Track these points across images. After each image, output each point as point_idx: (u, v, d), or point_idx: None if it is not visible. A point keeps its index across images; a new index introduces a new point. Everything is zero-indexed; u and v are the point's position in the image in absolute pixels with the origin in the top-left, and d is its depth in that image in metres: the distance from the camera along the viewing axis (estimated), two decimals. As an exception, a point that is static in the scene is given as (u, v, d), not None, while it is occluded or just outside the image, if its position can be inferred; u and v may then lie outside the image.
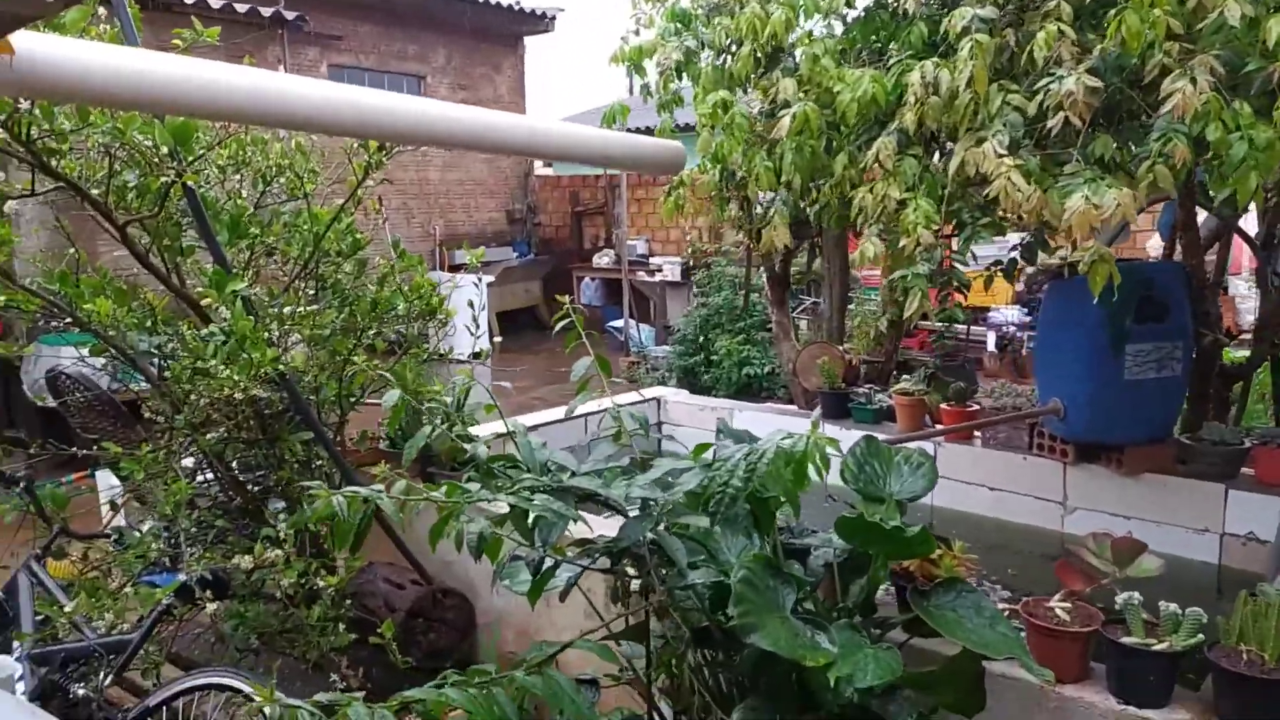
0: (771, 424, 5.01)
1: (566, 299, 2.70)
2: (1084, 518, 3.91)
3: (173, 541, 3.43)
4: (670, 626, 2.22)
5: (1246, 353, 3.95)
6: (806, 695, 2.07)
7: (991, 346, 9.96)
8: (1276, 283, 3.61)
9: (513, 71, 14.67)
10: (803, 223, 5.38)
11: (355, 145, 3.63)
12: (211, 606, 3.07)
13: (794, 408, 5.50)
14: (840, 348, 5.25)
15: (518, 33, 14.47)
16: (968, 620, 2.06)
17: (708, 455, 2.30)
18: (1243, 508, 3.54)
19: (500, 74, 14.45)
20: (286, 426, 3.60)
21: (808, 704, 2.04)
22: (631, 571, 2.18)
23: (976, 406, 4.41)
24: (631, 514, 2.10)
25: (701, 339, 9.40)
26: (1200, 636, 2.02)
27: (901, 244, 2.50)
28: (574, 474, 2.24)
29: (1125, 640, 2.08)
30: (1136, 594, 2.12)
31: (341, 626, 3.46)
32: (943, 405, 4.47)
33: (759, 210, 4.71)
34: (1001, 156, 2.26)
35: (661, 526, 2.07)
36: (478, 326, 3.85)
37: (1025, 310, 10.27)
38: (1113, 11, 2.17)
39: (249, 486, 3.65)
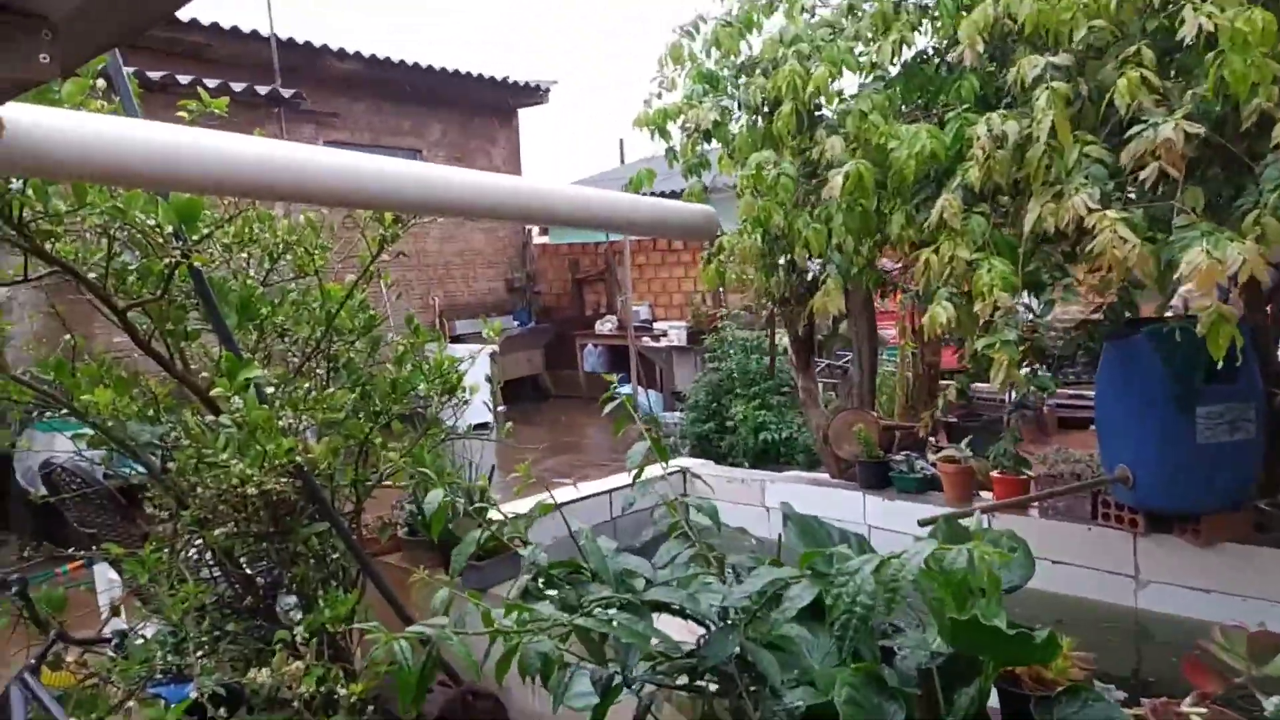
0: (812, 497, 4.77)
1: (614, 378, 2.47)
2: (1158, 591, 3.64)
3: (179, 648, 3.14)
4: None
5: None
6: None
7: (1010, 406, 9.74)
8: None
9: (507, 143, 14.68)
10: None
11: (368, 218, 3.44)
12: (224, 725, 2.77)
13: (826, 477, 5.24)
14: (874, 414, 5.02)
15: (511, 105, 14.52)
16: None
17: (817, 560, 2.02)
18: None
19: (495, 145, 14.46)
20: (299, 518, 3.34)
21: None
22: (714, 689, 1.91)
23: (1029, 475, 4.17)
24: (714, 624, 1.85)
25: (714, 405, 9.16)
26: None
27: (976, 307, 2.29)
28: (649, 583, 1.98)
29: (1285, 756, 1.80)
30: (1290, 700, 1.85)
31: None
32: (994, 474, 4.23)
33: (809, 274, 4.52)
34: (1093, 210, 2.07)
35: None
36: (496, 402, 3.62)
37: (1043, 366, 10.08)
38: (1211, 55, 2.00)
39: (259, 583, 3.37)
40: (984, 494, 4.35)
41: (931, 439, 5.20)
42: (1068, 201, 2.15)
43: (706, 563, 2.17)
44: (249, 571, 3.35)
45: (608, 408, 2.43)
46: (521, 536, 2.13)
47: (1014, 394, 10.24)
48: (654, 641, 1.80)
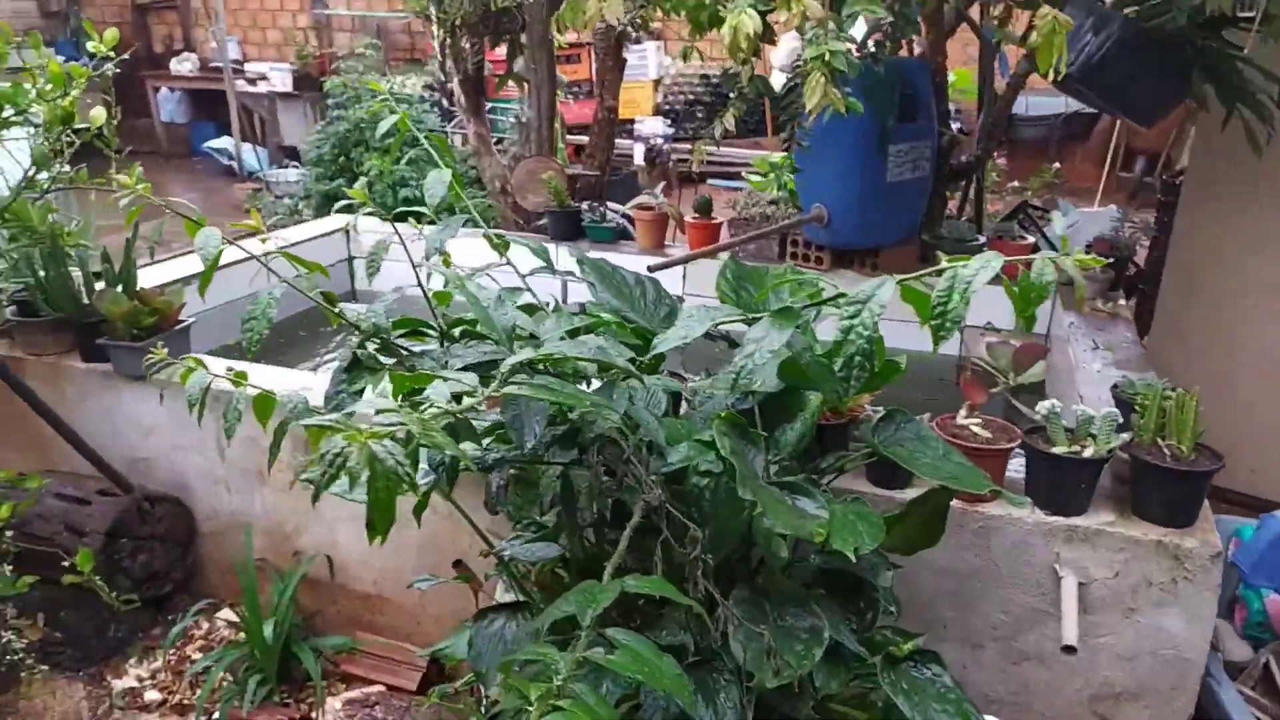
0: (515, 253, 4.45)
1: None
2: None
3: None
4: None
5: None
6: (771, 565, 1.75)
7: (640, 159, 9.96)
8: (1010, 80, 3.75)
9: None
10: (501, 16, 4.69)
11: None
12: None
13: (515, 234, 4.94)
14: (558, 161, 4.75)
15: None
16: (921, 454, 1.85)
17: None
18: (980, 299, 3.77)
19: None
20: None
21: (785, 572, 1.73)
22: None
23: (720, 220, 4.24)
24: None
25: (341, 159, 8.23)
26: (1124, 437, 2.01)
27: (782, 18, 2.07)
28: (542, 340, 1.60)
29: (1056, 450, 2.01)
30: (1056, 402, 2.05)
31: (9, 569, 2.50)
32: (688, 219, 4.23)
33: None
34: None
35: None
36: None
37: (668, 122, 10.38)
38: None
39: None
40: (675, 242, 4.37)
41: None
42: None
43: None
44: None
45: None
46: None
47: (640, 152, 10.46)
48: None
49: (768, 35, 2.95)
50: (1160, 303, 3.82)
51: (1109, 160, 8.94)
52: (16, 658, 2.52)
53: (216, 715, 2.52)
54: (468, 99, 5.03)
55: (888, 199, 3.60)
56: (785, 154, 6.17)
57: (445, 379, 1.21)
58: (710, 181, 10.59)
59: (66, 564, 2.55)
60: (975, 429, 2.10)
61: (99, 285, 2.91)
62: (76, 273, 2.92)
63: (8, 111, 2.51)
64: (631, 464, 1.42)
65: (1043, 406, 2.06)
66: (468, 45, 4.79)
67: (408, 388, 1.26)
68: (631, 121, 10.14)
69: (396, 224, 2.12)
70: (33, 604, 2.72)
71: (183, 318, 2.93)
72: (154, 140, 11.39)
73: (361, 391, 1.50)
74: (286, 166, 10.20)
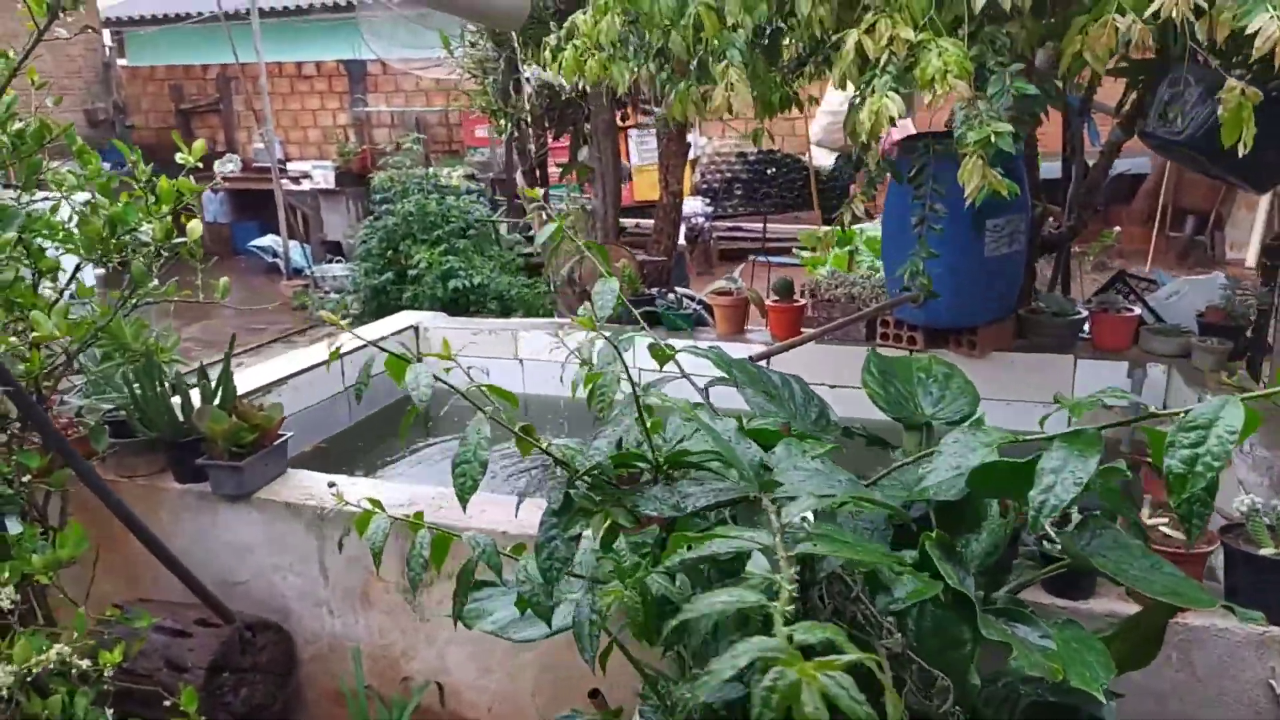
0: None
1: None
2: (932, 404, 3.80)
3: None
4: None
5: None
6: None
7: (681, 240, 9.97)
8: (1103, 149, 3.66)
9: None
10: (566, 107, 4.69)
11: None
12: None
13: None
14: (627, 248, 4.69)
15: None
16: (1127, 565, 1.68)
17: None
18: (1087, 374, 3.62)
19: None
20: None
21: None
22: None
23: (803, 302, 4.14)
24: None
25: (390, 253, 8.26)
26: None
27: (927, 100, 1.99)
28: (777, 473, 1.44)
29: (1264, 552, 1.83)
30: (1255, 498, 1.88)
31: (110, 713, 2.35)
32: (769, 303, 4.13)
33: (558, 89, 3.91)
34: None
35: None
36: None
37: (707, 201, 10.41)
38: None
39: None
40: (755, 326, 4.26)
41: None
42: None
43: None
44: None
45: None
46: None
47: (681, 232, 10.48)
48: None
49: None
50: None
51: (1158, 220, 8.83)
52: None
53: None
54: (531, 187, 5.00)
55: (985, 275, 3.49)
56: (839, 229, 6.13)
57: (730, 535, 1.06)
58: (752, 258, 10.57)
59: (168, 703, 2.40)
60: (1166, 530, 1.93)
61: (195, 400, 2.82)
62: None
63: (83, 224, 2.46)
64: (860, 602, 1.27)
65: (1240, 502, 1.89)
66: (532, 138, 4.78)
67: (684, 544, 1.08)
68: (655, 203, 10.18)
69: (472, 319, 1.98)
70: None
71: (281, 432, 2.83)
72: (199, 241, 11.55)
73: (577, 538, 1.36)
74: (331, 261, 10.27)
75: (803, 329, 4.14)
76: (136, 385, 2.73)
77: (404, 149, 8.42)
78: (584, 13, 2.51)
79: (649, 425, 1.38)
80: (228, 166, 12.16)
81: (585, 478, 1.35)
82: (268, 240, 10.69)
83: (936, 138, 3.08)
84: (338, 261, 10.09)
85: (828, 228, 7.62)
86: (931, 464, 1.37)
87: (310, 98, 11.94)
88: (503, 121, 4.59)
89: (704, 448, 1.39)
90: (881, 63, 2.04)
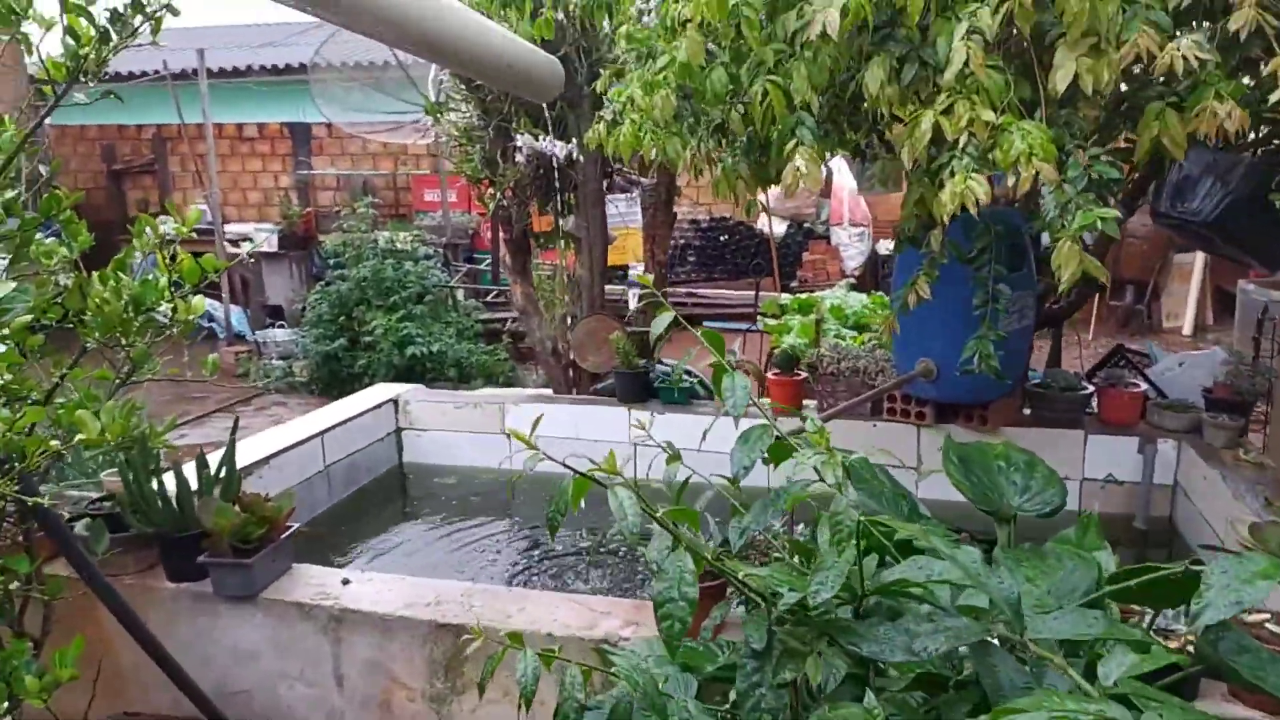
0: (563, 418, 4.21)
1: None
2: (939, 480, 3.76)
3: None
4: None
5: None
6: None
7: (634, 305, 9.92)
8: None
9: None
10: (554, 172, 4.60)
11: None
12: None
13: (555, 394, 4.72)
14: (618, 320, 4.58)
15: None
16: (1261, 671, 1.60)
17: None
18: (1097, 451, 3.62)
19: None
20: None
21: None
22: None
23: (803, 375, 4.07)
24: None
25: (341, 319, 7.99)
26: None
27: (1010, 182, 1.95)
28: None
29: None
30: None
31: None
32: (770, 376, 4.06)
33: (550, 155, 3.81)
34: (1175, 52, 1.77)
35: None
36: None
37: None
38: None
39: None
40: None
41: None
42: (1114, 53, 1.84)
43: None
44: None
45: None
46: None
47: (635, 298, 10.37)
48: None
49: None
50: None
51: (1099, 290, 9.13)
52: None
53: None
54: (514, 259, 4.88)
55: (997, 351, 3.47)
56: (798, 298, 6.13)
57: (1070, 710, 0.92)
58: (706, 324, 10.57)
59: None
60: (1273, 628, 1.87)
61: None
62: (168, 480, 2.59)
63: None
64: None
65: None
66: (514, 208, 4.68)
67: (1008, 715, 0.90)
68: (625, 268, 10.15)
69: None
70: None
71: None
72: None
73: (786, 685, 1.18)
74: (271, 326, 9.91)
75: (804, 403, 4.07)
76: (131, 477, 2.49)
77: (358, 212, 8.22)
78: (625, 84, 2.43)
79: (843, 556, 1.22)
80: (260, 237, 11.71)
81: (786, 614, 1.19)
82: (209, 304, 10.26)
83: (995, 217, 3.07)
84: (280, 326, 9.74)
85: (788, 295, 7.66)
86: (1204, 598, 1.26)
87: (251, 159, 11.65)
88: (493, 190, 4.46)
89: (904, 574, 1.22)
90: (961, 144, 2.00)
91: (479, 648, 2.30)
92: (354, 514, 3.94)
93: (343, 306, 7.98)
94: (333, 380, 7.98)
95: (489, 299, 9.48)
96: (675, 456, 1.73)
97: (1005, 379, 3.19)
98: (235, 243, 10.46)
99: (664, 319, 1.53)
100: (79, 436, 1.55)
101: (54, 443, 1.53)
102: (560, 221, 4.81)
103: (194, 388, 8.51)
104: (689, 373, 4.36)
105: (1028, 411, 3.84)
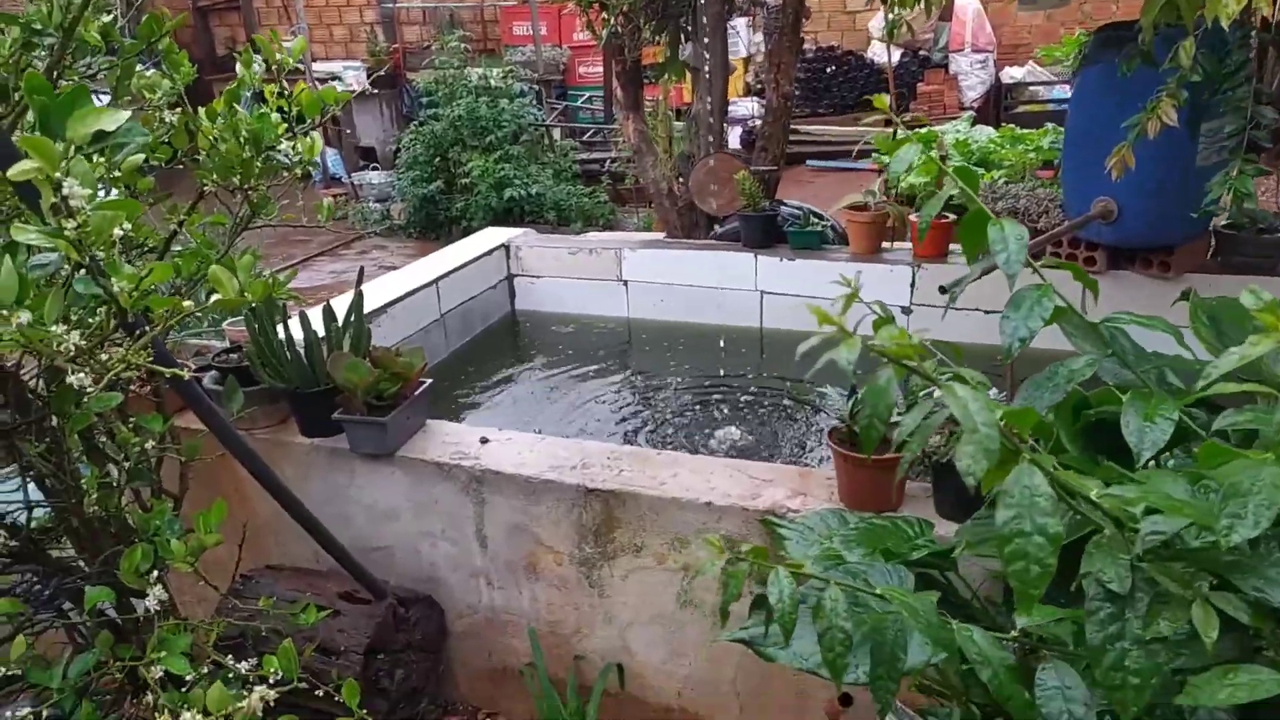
0: (685, 264, 3.95)
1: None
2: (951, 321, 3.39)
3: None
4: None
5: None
6: None
7: (736, 143, 9.41)
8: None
9: None
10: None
11: None
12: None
13: (672, 239, 4.44)
14: (742, 157, 4.22)
15: None
16: None
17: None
18: None
19: None
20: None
21: None
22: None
23: (951, 218, 3.69)
24: None
25: (437, 160, 7.76)
26: None
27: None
28: None
29: None
30: None
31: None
32: (914, 218, 3.70)
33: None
34: None
35: None
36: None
37: (763, 102, 9.79)
38: None
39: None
40: (895, 244, 3.83)
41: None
42: None
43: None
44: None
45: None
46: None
47: (737, 135, 9.91)
48: None
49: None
50: None
51: None
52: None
53: None
54: (625, 93, 4.51)
55: (1193, 187, 3.04)
56: (915, 132, 5.61)
57: None
58: (809, 163, 10.01)
59: (320, 693, 2.09)
60: None
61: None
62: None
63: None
64: None
65: None
66: (626, 36, 4.27)
67: None
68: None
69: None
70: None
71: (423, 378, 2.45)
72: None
73: (1161, 641, 0.91)
74: (366, 169, 9.75)
75: (949, 248, 3.72)
76: (257, 329, 2.34)
77: (448, 47, 7.82)
78: None
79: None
80: (349, 75, 11.38)
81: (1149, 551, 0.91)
82: (298, 146, 10.13)
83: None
84: (374, 169, 9.57)
85: (906, 129, 7.09)
86: None
87: (334, -8, 11.20)
88: (604, 14, 4.05)
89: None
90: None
91: (631, 512, 2.16)
92: (472, 363, 3.82)
93: (437, 147, 7.73)
94: (430, 224, 7.84)
95: (586, 139, 9.08)
96: (887, 319, 1.46)
97: (1248, 224, 2.79)
98: (323, 81, 10.20)
99: (909, 150, 1.22)
100: (215, 297, 1.36)
101: (186, 304, 1.34)
102: (675, 52, 4.39)
103: (296, 231, 8.48)
104: (818, 215, 4.02)
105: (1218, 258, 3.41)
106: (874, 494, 2.00)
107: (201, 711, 1.38)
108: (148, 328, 1.36)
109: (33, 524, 2.05)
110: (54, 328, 1.17)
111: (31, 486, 2.01)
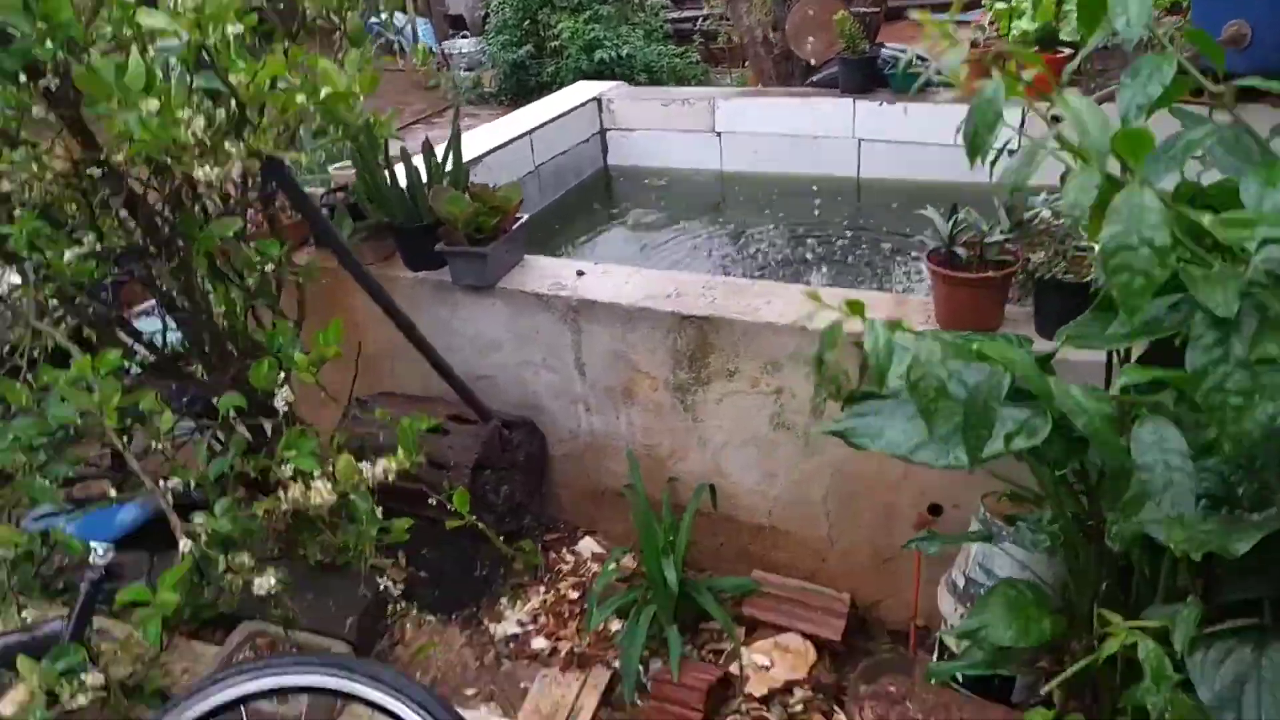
0: (780, 114, 3.85)
1: None
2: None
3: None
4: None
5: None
6: None
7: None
8: None
9: None
10: None
11: None
12: (187, 546, 1.69)
13: (788, 88, 4.31)
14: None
15: None
16: None
17: None
18: None
19: None
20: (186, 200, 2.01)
21: None
22: None
23: (1064, 52, 3.49)
24: None
25: (527, 24, 7.65)
26: None
27: None
28: None
29: None
30: None
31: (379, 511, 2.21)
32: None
33: None
34: None
35: None
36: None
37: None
38: None
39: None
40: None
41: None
42: None
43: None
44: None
45: None
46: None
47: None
48: None
49: None
50: None
51: None
52: (393, 599, 2.28)
53: (619, 666, 2.22)
54: (720, -67, 4.33)
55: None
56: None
57: None
58: (911, 13, 9.49)
59: (433, 501, 2.25)
60: None
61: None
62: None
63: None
64: None
65: None
66: None
67: None
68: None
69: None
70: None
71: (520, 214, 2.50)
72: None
73: (1268, 362, 0.90)
74: (452, 37, 9.69)
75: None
76: (361, 165, 2.42)
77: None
78: None
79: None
80: None
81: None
82: (384, 16, 10.08)
83: None
84: (464, 36, 9.50)
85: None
86: None
87: None
88: None
89: None
90: None
91: (725, 338, 2.21)
92: (565, 216, 3.86)
93: (526, 10, 7.61)
94: (520, 90, 7.79)
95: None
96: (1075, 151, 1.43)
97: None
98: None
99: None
100: (325, 90, 1.41)
101: (299, 98, 1.40)
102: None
103: (389, 100, 8.55)
104: (922, 57, 3.84)
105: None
106: (974, 314, 1.99)
107: (329, 477, 1.50)
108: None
109: (167, 348, 2.22)
110: (180, 112, 1.24)
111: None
